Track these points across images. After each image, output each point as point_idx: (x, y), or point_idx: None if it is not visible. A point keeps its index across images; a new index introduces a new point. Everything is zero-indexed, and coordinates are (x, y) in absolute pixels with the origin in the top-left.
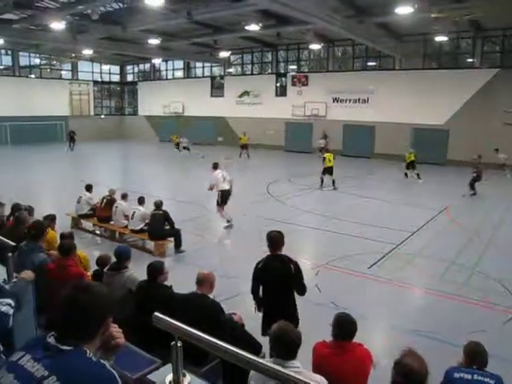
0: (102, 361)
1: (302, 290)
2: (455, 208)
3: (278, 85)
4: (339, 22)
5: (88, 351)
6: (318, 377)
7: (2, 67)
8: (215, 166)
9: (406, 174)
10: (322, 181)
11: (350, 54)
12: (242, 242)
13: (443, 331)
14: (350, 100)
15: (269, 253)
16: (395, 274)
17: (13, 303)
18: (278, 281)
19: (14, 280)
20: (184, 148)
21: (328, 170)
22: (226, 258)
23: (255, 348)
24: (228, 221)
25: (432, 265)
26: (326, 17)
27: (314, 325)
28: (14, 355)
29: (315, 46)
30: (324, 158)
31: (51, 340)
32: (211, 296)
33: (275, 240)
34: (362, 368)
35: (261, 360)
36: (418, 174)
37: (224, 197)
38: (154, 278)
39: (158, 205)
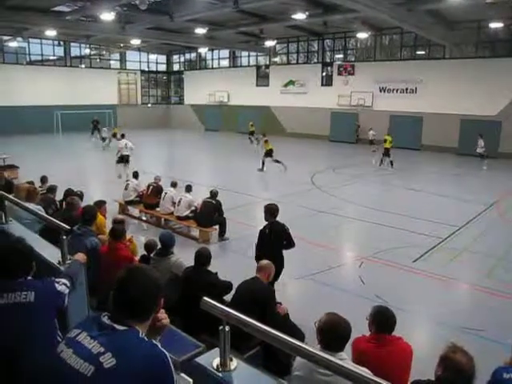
0: (154, 341)
1: (290, 246)
2: (506, 203)
3: (324, 74)
4: (387, 10)
5: (140, 331)
6: (365, 369)
7: (54, 58)
8: (122, 135)
9: (381, 161)
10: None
11: (397, 43)
12: None
13: (491, 329)
14: (397, 90)
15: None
16: (441, 268)
17: (68, 283)
18: (277, 239)
19: (68, 262)
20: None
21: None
22: None
23: (299, 338)
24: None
25: (480, 260)
26: (373, 4)
27: (356, 317)
28: (72, 332)
29: (362, 35)
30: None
31: (105, 319)
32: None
33: (275, 210)
34: (402, 361)
35: (313, 349)
36: (391, 162)
37: (124, 159)
38: (201, 265)
39: (214, 194)
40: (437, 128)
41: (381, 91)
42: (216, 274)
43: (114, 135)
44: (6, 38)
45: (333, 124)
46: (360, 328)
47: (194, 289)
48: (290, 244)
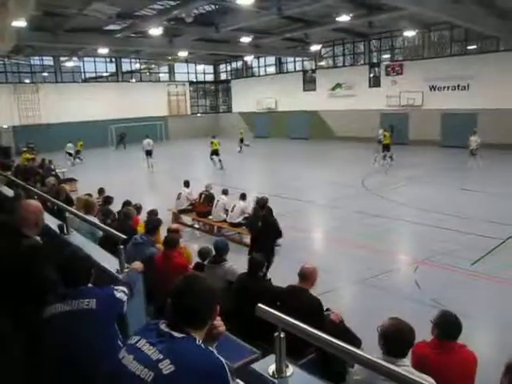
0: (210, 348)
1: (279, 236)
2: None
3: (372, 75)
4: (434, 5)
5: (198, 339)
6: (429, 378)
7: (107, 74)
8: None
9: (384, 157)
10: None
11: (447, 39)
12: (336, 236)
13: None
14: (448, 87)
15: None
16: (502, 271)
17: (126, 291)
18: (269, 230)
19: (126, 270)
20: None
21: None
22: (320, 252)
23: (355, 344)
24: None
25: None
26: (419, 0)
27: (412, 323)
28: (131, 339)
29: (409, 33)
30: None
31: (163, 326)
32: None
33: (264, 202)
34: (466, 370)
35: (372, 357)
36: (390, 157)
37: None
38: (255, 272)
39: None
40: (493, 124)
41: (431, 89)
42: (270, 280)
43: (78, 152)
44: (62, 58)
45: (382, 126)
46: (418, 335)
47: (249, 296)
48: (279, 234)
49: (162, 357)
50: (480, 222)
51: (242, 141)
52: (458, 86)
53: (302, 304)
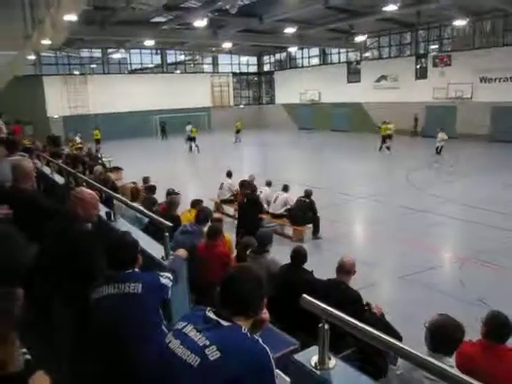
0: (256, 337)
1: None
2: None
3: (418, 67)
4: None
5: (244, 327)
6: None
7: (152, 66)
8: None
9: (381, 148)
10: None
11: (499, 28)
12: (378, 231)
13: None
14: (500, 79)
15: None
16: None
17: (171, 277)
18: (253, 206)
19: (171, 257)
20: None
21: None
22: (362, 246)
23: (396, 339)
24: None
25: None
26: None
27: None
28: (178, 324)
29: (459, 22)
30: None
31: (211, 314)
32: (349, 283)
33: (248, 182)
34: None
35: (418, 352)
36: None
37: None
38: (298, 263)
39: (308, 194)
40: None
41: (481, 81)
42: (312, 272)
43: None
44: (110, 50)
45: (428, 118)
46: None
47: (292, 287)
48: (260, 209)
49: (208, 343)
50: None
51: (238, 132)
52: (511, 77)
53: (342, 297)
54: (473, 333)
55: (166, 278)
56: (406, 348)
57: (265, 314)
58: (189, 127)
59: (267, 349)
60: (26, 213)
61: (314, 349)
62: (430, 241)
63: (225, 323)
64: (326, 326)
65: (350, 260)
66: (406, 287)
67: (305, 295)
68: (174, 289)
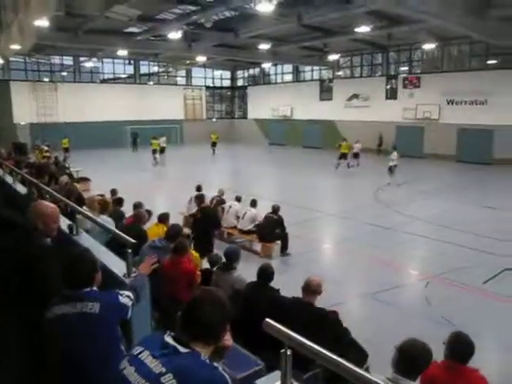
0: (215, 364)
1: (217, 227)
2: None
3: (389, 87)
4: (457, 19)
5: (203, 354)
6: None
7: (125, 76)
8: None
9: (338, 165)
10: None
11: (466, 53)
12: (347, 248)
13: None
14: (465, 102)
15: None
16: None
17: (132, 296)
18: (208, 221)
19: (134, 275)
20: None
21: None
22: (330, 263)
23: (361, 358)
24: None
25: None
26: (443, 14)
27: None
28: (134, 349)
29: (428, 46)
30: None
31: (169, 339)
32: (315, 303)
33: (203, 197)
34: None
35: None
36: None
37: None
38: (264, 281)
39: (275, 209)
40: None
41: (448, 103)
42: (278, 290)
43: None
44: (82, 58)
45: (398, 138)
46: None
47: (257, 305)
48: (217, 225)
49: (164, 370)
50: (494, 240)
51: (214, 144)
52: (476, 101)
53: (308, 319)
54: (437, 352)
55: (125, 297)
56: (367, 375)
57: (228, 341)
58: (163, 139)
59: (227, 377)
60: None
61: (277, 374)
62: (396, 258)
63: (183, 350)
64: (289, 352)
65: (317, 280)
66: (372, 305)
67: (268, 319)
68: (135, 308)
